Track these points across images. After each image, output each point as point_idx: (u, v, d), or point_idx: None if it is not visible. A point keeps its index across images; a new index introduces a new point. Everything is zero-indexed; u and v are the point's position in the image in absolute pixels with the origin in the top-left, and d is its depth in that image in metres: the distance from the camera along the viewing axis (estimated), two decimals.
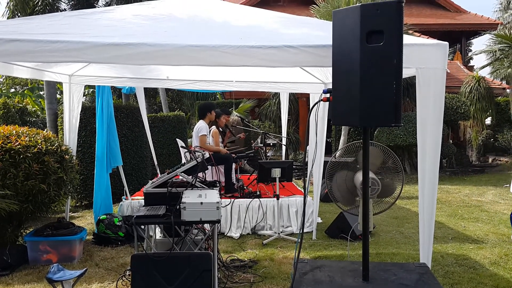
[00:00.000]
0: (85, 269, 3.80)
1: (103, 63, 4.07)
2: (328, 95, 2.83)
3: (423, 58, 3.12)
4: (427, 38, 9.09)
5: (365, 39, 2.52)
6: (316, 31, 3.86)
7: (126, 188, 7.00)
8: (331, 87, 2.79)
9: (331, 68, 2.82)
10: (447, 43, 3.17)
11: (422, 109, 3.20)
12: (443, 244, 5.74)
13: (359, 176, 3.83)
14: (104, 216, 5.97)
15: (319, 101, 2.85)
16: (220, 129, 8.08)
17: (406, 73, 3.08)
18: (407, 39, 2.94)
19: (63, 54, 3.05)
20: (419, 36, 12.22)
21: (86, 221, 7.12)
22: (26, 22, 3.91)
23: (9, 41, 3.06)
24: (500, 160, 15.62)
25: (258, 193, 6.69)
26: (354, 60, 2.58)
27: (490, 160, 16.17)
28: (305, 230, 6.27)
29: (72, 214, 7.64)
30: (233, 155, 7.44)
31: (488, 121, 16.66)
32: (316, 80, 5.69)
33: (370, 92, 2.54)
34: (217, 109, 7.96)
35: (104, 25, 3.76)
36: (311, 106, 3.04)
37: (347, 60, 2.64)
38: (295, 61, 3.16)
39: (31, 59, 3.44)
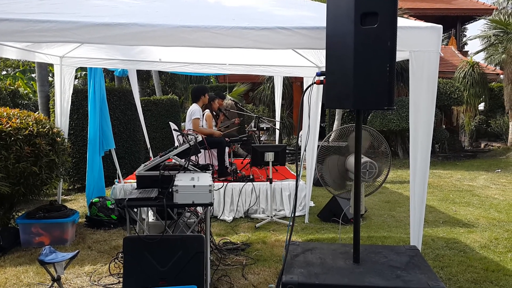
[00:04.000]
0: (77, 251, 3.79)
1: (93, 43, 4.01)
2: (321, 77, 2.81)
3: (417, 41, 3.10)
4: None
5: (360, 21, 2.49)
6: (310, 12, 3.82)
7: (118, 171, 6.98)
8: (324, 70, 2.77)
9: (324, 51, 2.79)
10: (441, 26, 3.15)
11: (415, 92, 3.18)
12: (434, 228, 5.80)
13: (351, 160, 3.83)
14: (97, 199, 5.96)
15: (312, 83, 2.84)
16: (214, 112, 8.05)
17: (399, 56, 3.06)
18: (401, 22, 2.92)
19: (52, 34, 2.99)
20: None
21: (79, 204, 7.11)
22: (15, 1, 3.82)
23: None
24: (492, 146, 15.73)
25: (251, 177, 6.70)
26: (348, 43, 2.56)
27: (482, 145, 16.28)
28: (297, 214, 6.31)
29: (65, 197, 7.63)
30: (227, 139, 7.42)
31: (481, 106, 16.72)
32: (310, 63, 5.67)
33: (363, 75, 2.52)
34: (211, 92, 7.91)
35: (95, 5, 3.69)
36: (304, 89, 3.02)
37: (341, 42, 2.61)
38: (289, 43, 3.12)
39: (20, 39, 3.37)
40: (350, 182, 3.98)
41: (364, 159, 3.72)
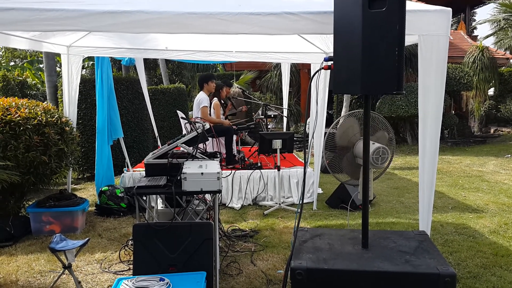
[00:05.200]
0: (87, 239, 3.83)
1: (99, 31, 3.99)
2: (329, 63, 2.78)
3: (426, 25, 3.05)
4: None
5: (367, 4, 2.46)
6: None
7: (127, 160, 7.02)
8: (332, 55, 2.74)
9: (332, 36, 2.76)
10: (450, 9, 3.10)
11: (424, 76, 3.15)
12: (443, 214, 5.78)
13: (359, 146, 3.81)
14: (106, 188, 6.00)
15: (320, 69, 2.81)
16: (222, 101, 8.03)
17: (408, 40, 3.02)
18: (409, 5, 2.87)
19: (58, 23, 2.99)
20: None
21: (88, 193, 7.16)
22: None
23: (4, 10, 3.00)
24: (502, 131, 15.58)
25: (259, 164, 6.70)
26: (356, 27, 2.53)
27: (492, 130, 16.12)
28: (305, 201, 6.31)
29: (74, 186, 7.69)
30: (234, 126, 7.42)
31: (491, 91, 16.53)
32: (317, 49, 5.62)
33: (372, 59, 2.50)
34: (218, 81, 7.89)
35: None
36: (312, 75, 3.00)
37: (348, 26, 2.58)
38: (296, 28, 3.09)
39: (26, 28, 3.38)
40: (357, 169, 3.97)
41: (376, 145, 3.71)
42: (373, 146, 3.70)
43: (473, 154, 11.37)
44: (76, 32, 5.15)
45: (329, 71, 5.30)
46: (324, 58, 2.81)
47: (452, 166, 9.65)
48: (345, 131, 3.95)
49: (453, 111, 14.54)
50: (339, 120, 5.25)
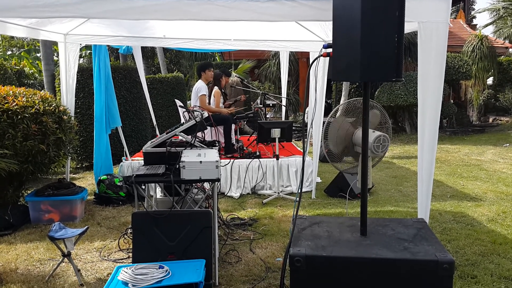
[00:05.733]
0: (86, 227, 3.85)
1: (97, 18, 3.95)
2: (328, 50, 2.75)
3: (425, 12, 3.03)
4: None
5: None
6: None
7: (126, 149, 7.01)
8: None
9: (331, 23, 2.73)
10: None
11: (423, 64, 3.13)
12: (441, 202, 5.79)
13: (359, 134, 3.80)
14: (105, 177, 6.00)
15: (319, 56, 2.79)
16: (222, 90, 7.99)
17: (408, 28, 2.99)
18: None
19: (55, 9, 2.96)
20: None
21: (87, 182, 7.16)
22: None
23: None
24: (500, 120, 15.58)
25: (257, 153, 6.70)
26: (355, 13, 2.50)
27: (490, 120, 16.12)
28: (304, 190, 6.33)
29: (73, 175, 7.69)
30: (232, 109, 7.42)
31: (489, 81, 16.50)
32: (316, 38, 5.59)
33: (371, 46, 2.47)
34: (216, 70, 7.85)
35: None
36: (311, 62, 2.98)
37: (348, 13, 2.55)
38: (294, 15, 3.06)
39: (23, 15, 3.34)
40: (355, 157, 3.96)
41: (376, 133, 3.69)
42: (374, 134, 3.69)
43: (472, 143, 11.38)
44: (74, 19, 5.11)
45: (328, 59, 5.30)
46: (323, 45, 2.78)
47: (451, 155, 9.67)
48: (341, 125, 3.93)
49: (451, 100, 14.52)
50: (338, 109, 5.24)
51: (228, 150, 6.86)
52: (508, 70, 15.82)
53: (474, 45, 14.70)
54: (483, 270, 3.70)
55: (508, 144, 11.01)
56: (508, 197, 6.04)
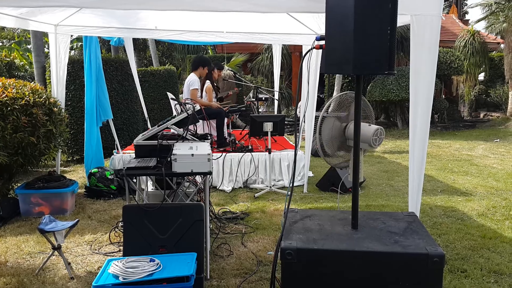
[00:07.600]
0: (76, 220, 3.82)
1: (88, 7, 3.90)
2: (321, 42, 2.74)
3: (418, 4, 3.01)
4: None
5: None
6: None
7: (117, 142, 6.96)
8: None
9: (324, 16, 2.72)
10: None
11: (416, 58, 3.12)
12: (432, 197, 5.83)
13: (352, 128, 3.79)
14: (96, 170, 5.96)
15: (311, 48, 2.77)
16: (215, 83, 7.95)
17: (401, 21, 2.98)
18: None
19: None
20: None
21: (78, 175, 7.11)
22: None
23: None
24: (491, 116, 15.70)
25: (250, 147, 6.69)
26: (348, 5, 2.48)
27: (481, 115, 16.24)
28: (296, 184, 6.33)
29: (64, 168, 7.63)
30: (225, 108, 7.38)
31: (481, 76, 16.60)
32: (309, 31, 5.57)
33: (364, 39, 2.46)
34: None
35: None
36: (303, 55, 2.96)
37: (341, 5, 2.54)
38: (287, 6, 3.04)
39: (14, 4, 3.29)
40: (347, 152, 3.95)
41: (374, 126, 3.69)
42: (372, 127, 3.68)
43: (463, 139, 11.46)
44: (65, 9, 5.03)
45: (320, 53, 5.28)
46: (316, 37, 2.76)
47: (442, 150, 9.72)
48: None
49: (443, 96, 14.59)
50: (330, 103, 5.24)
51: (221, 144, 6.84)
52: (499, 65, 15.92)
53: (466, 40, 14.75)
54: (473, 264, 3.73)
55: (498, 140, 11.10)
56: (498, 192, 6.08)
